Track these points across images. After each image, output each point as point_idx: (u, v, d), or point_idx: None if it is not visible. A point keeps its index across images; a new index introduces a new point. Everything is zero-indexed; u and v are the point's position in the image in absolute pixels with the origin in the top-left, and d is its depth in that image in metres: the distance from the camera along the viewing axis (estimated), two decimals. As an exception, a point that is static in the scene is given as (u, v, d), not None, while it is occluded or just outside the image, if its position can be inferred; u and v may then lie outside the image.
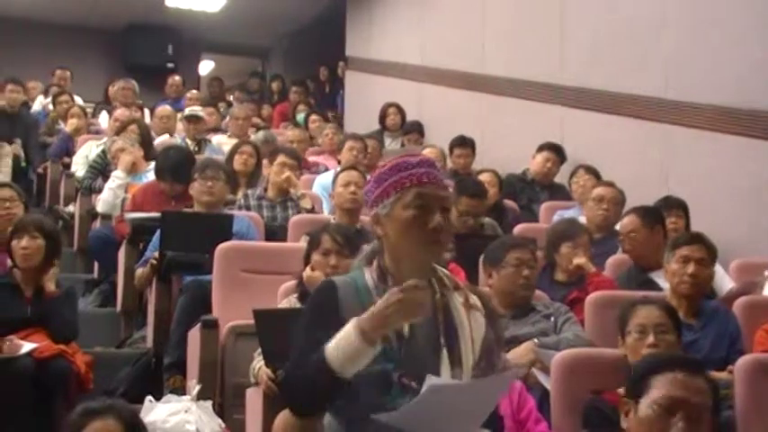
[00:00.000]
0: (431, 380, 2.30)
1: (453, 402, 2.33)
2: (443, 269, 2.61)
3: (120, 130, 7.96)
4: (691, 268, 4.38)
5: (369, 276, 2.57)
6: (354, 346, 2.33)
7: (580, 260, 5.17)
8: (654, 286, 4.94)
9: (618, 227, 5.82)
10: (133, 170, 7.06)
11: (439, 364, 2.46)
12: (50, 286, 4.91)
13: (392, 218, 2.52)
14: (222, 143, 8.89)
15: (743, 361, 3.75)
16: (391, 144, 9.75)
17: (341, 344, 2.34)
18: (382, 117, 10.26)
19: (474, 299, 2.59)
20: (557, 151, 7.62)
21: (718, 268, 4.97)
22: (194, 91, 11.63)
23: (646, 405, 2.52)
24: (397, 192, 2.52)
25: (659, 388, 2.51)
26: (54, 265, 5.00)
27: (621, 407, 2.63)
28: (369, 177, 2.67)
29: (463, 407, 2.35)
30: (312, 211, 6.41)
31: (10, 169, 8.75)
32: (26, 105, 10.53)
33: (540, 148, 7.65)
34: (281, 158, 6.63)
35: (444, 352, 2.46)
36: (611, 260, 5.48)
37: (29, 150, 9.40)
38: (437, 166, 2.62)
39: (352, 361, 2.33)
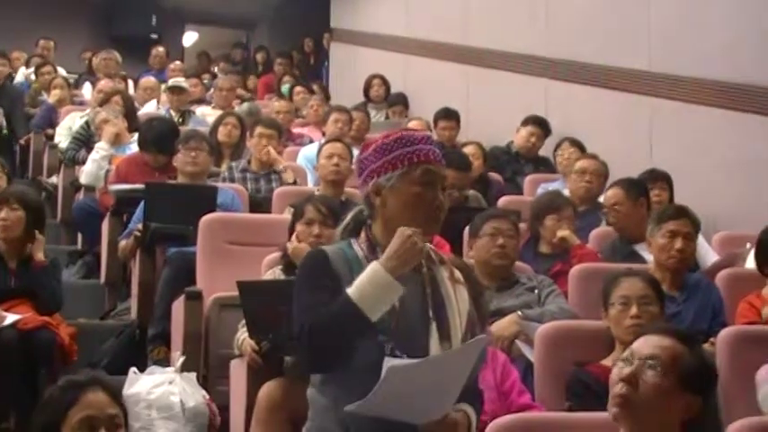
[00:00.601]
0: (389, 362, 2.31)
1: (420, 380, 2.32)
2: (429, 244, 2.59)
3: (104, 101, 7.92)
4: (678, 243, 4.40)
5: (357, 248, 2.56)
6: (385, 281, 2.40)
7: (564, 232, 5.18)
8: (638, 258, 4.96)
9: (602, 199, 5.84)
10: (117, 142, 7.02)
11: (428, 338, 2.47)
12: (39, 256, 4.89)
13: (397, 191, 2.52)
14: (206, 114, 8.85)
15: (725, 333, 3.77)
16: (376, 116, 9.72)
17: (366, 285, 2.40)
18: (366, 89, 10.24)
19: (458, 273, 2.62)
20: (541, 125, 7.60)
21: (701, 241, 4.99)
22: (177, 62, 11.55)
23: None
24: (404, 166, 2.52)
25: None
26: (41, 234, 4.97)
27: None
28: (365, 147, 2.63)
29: (432, 382, 2.34)
30: (295, 184, 6.40)
31: None
32: (10, 77, 10.46)
33: (525, 122, 7.63)
34: (258, 129, 6.61)
35: (434, 325, 2.47)
36: (594, 233, 5.49)
37: (13, 121, 9.31)
38: (435, 143, 2.65)
39: (381, 298, 2.40)
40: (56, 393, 2.48)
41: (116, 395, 2.48)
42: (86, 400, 2.41)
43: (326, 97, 10.58)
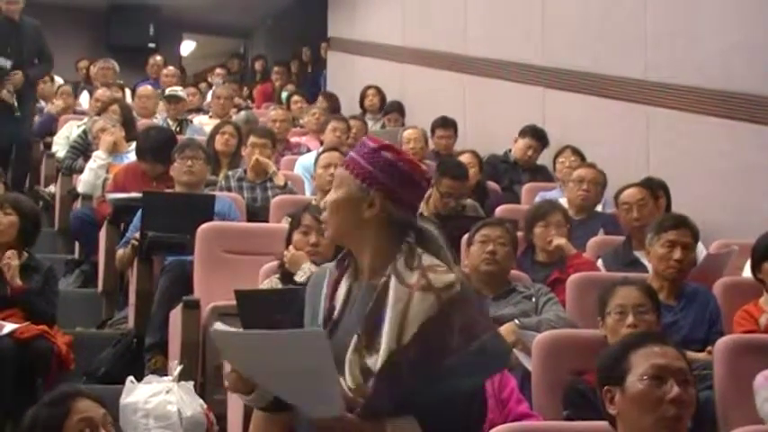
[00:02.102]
0: (215, 325, 2.37)
1: (260, 356, 2.29)
2: (419, 252, 2.39)
3: (102, 110, 7.92)
4: (677, 254, 4.40)
5: (340, 255, 2.53)
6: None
7: (560, 241, 5.18)
8: (640, 267, 4.96)
9: (600, 208, 5.88)
10: (114, 150, 7.02)
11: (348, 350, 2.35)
12: (16, 282, 4.74)
13: None
14: (204, 123, 8.86)
15: (722, 342, 3.78)
16: (373, 126, 9.73)
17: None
18: (361, 99, 10.24)
19: (436, 280, 2.32)
20: (539, 137, 7.56)
21: (699, 248, 5.00)
22: (171, 68, 11.53)
23: (634, 382, 2.51)
24: None
25: (642, 362, 2.51)
26: (17, 254, 4.81)
27: (604, 396, 2.60)
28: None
29: (281, 365, 2.27)
30: (285, 187, 6.39)
31: None
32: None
33: (523, 134, 7.60)
34: (252, 139, 6.63)
35: (355, 338, 2.31)
36: (592, 242, 5.50)
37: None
38: (361, 147, 2.43)
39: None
40: (43, 412, 2.51)
41: (99, 400, 2.52)
42: (77, 407, 2.45)
43: (334, 108, 10.56)
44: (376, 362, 2.27)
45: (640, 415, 2.48)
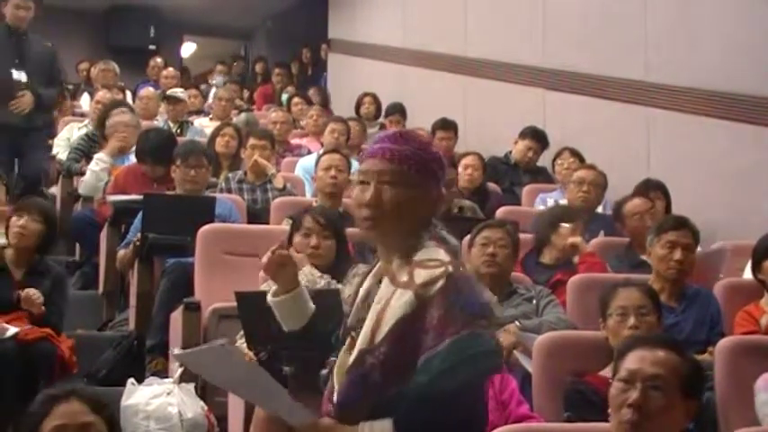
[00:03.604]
0: (174, 351, 2.45)
1: (222, 370, 2.31)
2: (431, 248, 2.32)
3: (103, 113, 7.89)
4: (678, 254, 4.41)
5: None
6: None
7: (575, 239, 5.18)
8: (648, 268, 4.96)
9: (600, 209, 5.88)
10: (119, 154, 7.02)
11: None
12: (37, 310, 4.72)
13: None
14: (204, 126, 8.87)
15: (723, 343, 3.78)
16: (370, 130, 9.71)
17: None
18: (357, 106, 10.22)
19: (418, 276, 2.24)
20: (539, 139, 7.58)
21: (699, 251, 5.01)
22: (170, 69, 11.53)
23: (613, 383, 2.57)
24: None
25: (624, 365, 2.55)
26: (34, 257, 4.92)
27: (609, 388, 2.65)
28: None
29: (232, 375, 2.32)
30: (284, 189, 6.40)
31: None
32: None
33: (523, 135, 7.61)
34: (251, 141, 6.65)
35: (348, 338, 2.33)
36: (593, 243, 5.49)
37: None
38: (397, 139, 2.35)
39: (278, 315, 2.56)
40: (34, 407, 2.51)
41: (96, 405, 2.50)
42: (59, 411, 2.45)
43: (325, 101, 10.58)
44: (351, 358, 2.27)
45: (612, 416, 2.53)
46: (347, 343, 2.31)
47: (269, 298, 2.54)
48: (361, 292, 2.41)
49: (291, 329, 2.51)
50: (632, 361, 2.53)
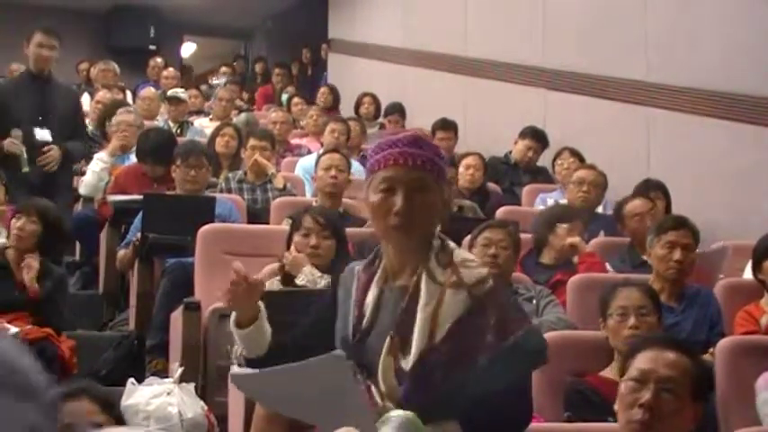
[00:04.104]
0: (233, 370, 2.34)
1: (285, 390, 2.24)
2: (452, 246, 2.42)
3: (104, 113, 7.90)
4: (677, 254, 4.41)
5: (368, 258, 2.49)
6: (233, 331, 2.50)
7: (574, 239, 5.18)
8: (649, 269, 4.96)
9: (600, 209, 5.87)
10: (120, 152, 7.02)
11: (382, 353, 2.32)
12: (33, 287, 4.79)
13: (367, 203, 2.43)
14: (204, 126, 8.87)
15: (723, 343, 3.78)
16: (369, 130, 9.71)
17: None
18: (357, 106, 10.23)
19: (468, 276, 2.32)
20: (539, 138, 7.59)
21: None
22: (170, 69, 11.54)
23: (623, 381, 2.57)
24: (370, 176, 2.42)
25: (635, 364, 2.55)
26: (35, 258, 4.88)
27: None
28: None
29: (308, 394, 2.22)
30: (284, 189, 6.40)
31: None
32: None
33: (523, 135, 7.63)
34: (251, 141, 6.66)
35: (387, 340, 2.30)
36: (593, 243, 5.50)
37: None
38: (418, 142, 2.40)
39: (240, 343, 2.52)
40: None
41: (106, 404, 2.49)
42: (67, 409, 2.43)
43: (336, 102, 10.60)
44: (403, 361, 2.26)
45: (620, 414, 2.52)
46: (387, 345, 2.29)
47: (232, 327, 2.51)
48: (371, 297, 2.40)
49: (257, 355, 2.48)
50: (645, 361, 2.52)
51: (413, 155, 2.35)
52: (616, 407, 2.61)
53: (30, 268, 4.78)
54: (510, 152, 7.73)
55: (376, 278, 2.42)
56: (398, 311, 2.32)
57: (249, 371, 2.37)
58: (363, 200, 2.49)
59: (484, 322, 2.26)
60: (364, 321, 2.38)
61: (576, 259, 5.14)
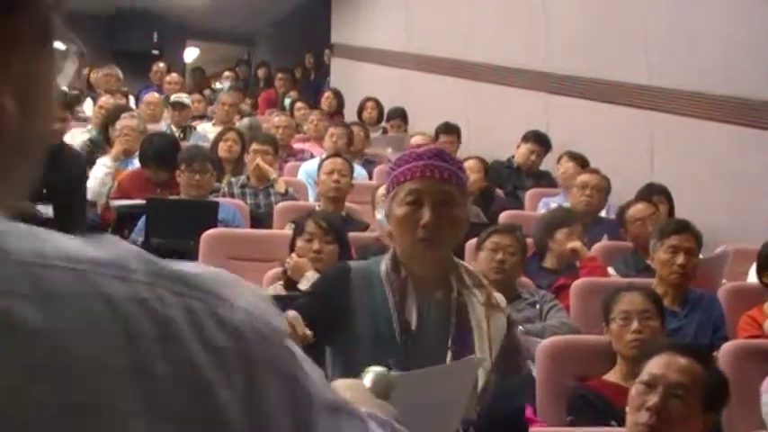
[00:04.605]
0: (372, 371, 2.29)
1: (417, 395, 2.26)
2: (466, 265, 2.50)
3: (106, 118, 7.90)
4: (680, 259, 4.40)
5: (384, 264, 2.47)
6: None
7: (575, 244, 5.17)
8: (654, 273, 4.96)
9: (604, 213, 5.87)
10: (123, 156, 7.02)
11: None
12: None
13: (391, 215, 2.43)
14: (207, 131, 8.87)
15: (726, 347, 3.78)
16: (372, 134, 9.71)
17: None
18: (360, 111, 10.23)
19: (498, 299, 2.45)
20: (541, 142, 7.59)
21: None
22: (174, 74, 11.56)
23: (634, 385, 2.59)
24: (394, 188, 2.42)
25: (647, 368, 2.54)
26: None
27: None
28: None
29: (428, 400, 2.19)
30: (286, 194, 6.40)
31: None
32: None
33: (525, 139, 7.62)
34: (254, 146, 6.67)
35: (449, 354, 2.35)
36: (596, 247, 5.49)
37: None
38: (443, 156, 2.44)
39: None
40: None
41: None
42: None
43: (340, 107, 10.60)
44: None
45: (628, 417, 2.53)
46: (449, 359, 2.34)
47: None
48: (412, 303, 2.40)
49: None
50: (657, 365, 2.53)
51: (439, 168, 2.37)
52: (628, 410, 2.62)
53: None
54: (513, 156, 7.72)
55: (410, 286, 2.42)
56: (450, 325, 2.37)
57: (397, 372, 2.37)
58: (384, 212, 2.51)
59: (518, 346, 2.44)
60: (413, 326, 2.38)
61: (578, 263, 5.14)
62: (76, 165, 6.28)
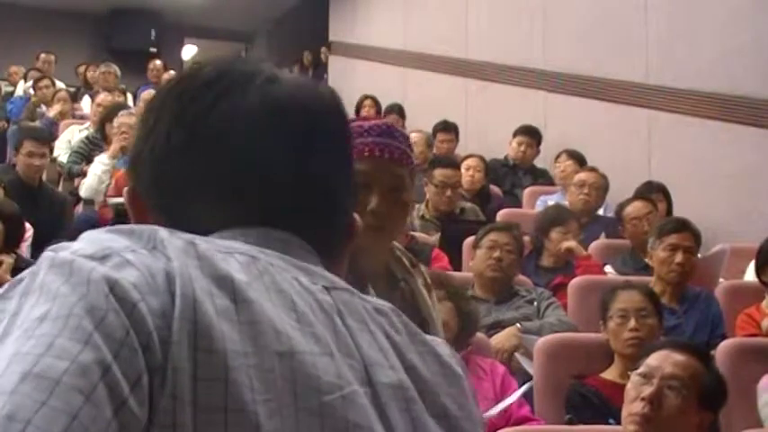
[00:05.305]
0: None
1: None
2: (399, 246, 2.18)
3: (104, 115, 7.90)
4: (679, 257, 4.41)
5: None
6: None
7: (570, 243, 5.17)
8: (652, 271, 4.97)
9: (602, 211, 5.87)
10: (121, 153, 7.01)
11: None
12: (6, 278, 4.65)
13: None
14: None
15: (724, 345, 3.78)
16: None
17: None
18: (357, 109, 10.22)
19: (428, 278, 2.21)
20: (530, 134, 7.58)
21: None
22: (171, 71, 11.56)
23: (631, 377, 2.60)
24: None
25: (646, 362, 2.55)
26: (10, 254, 4.83)
27: None
28: None
29: None
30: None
31: None
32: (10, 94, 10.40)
33: (515, 134, 7.63)
34: None
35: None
36: (594, 245, 5.49)
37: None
38: (393, 133, 2.06)
39: None
40: None
41: None
42: None
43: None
44: None
45: (624, 408, 2.56)
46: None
47: None
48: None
49: None
50: (655, 358, 2.54)
51: (389, 147, 2.02)
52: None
53: (4, 264, 4.71)
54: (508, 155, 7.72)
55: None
56: (408, 311, 2.28)
57: None
58: None
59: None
60: None
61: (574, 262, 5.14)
62: (58, 203, 6.44)
